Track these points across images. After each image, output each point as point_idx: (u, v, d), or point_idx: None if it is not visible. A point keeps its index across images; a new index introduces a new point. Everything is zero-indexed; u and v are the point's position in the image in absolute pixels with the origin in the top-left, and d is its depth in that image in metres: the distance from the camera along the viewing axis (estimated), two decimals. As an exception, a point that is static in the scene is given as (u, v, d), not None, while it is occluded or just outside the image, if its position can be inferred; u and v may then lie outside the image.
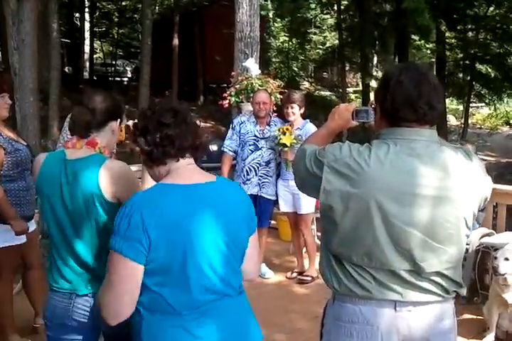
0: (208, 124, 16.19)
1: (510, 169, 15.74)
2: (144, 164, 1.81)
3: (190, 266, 1.59)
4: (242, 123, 4.80)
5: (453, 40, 14.36)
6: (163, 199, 1.60)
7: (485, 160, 16.35)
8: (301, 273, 4.92)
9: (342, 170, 1.60)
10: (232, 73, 6.39)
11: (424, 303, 1.66)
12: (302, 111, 4.73)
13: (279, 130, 4.64)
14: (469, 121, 15.69)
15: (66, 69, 19.49)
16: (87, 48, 20.77)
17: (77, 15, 20.84)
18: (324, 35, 23.67)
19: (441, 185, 1.59)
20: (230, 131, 4.87)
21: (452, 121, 20.28)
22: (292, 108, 4.63)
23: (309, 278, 4.80)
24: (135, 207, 1.57)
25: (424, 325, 1.67)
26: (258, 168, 4.74)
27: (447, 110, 15.91)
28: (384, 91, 1.66)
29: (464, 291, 1.74)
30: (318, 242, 5.33)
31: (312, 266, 4.89)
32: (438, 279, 1.65)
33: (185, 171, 1.70)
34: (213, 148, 6.06)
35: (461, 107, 21.64)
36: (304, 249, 5.07)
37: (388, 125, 1.68)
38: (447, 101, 16.09)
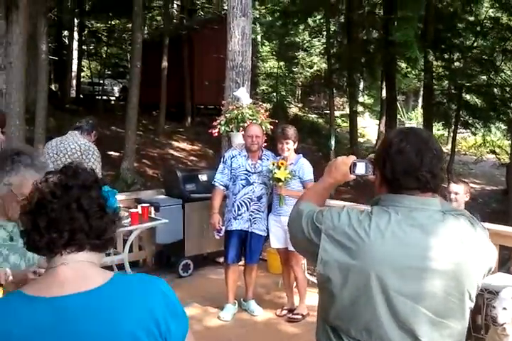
0: (196, 147, 16.12)
1: (495, 197, 15.88)
2: None
3: None
4: (233, 157, 4.73)
5: (440, 70, 14.54)
6: (5, 317, 1.22)
7: (471, 187, 16.48)
8: (291, 311, 4.81)
9: (341, 239, 1.53)
10: (223, 102, 6.33)
11: None
12: (296, 145, 4.67)
13: (273, 164, 4.57)
14: (455, 149, 15.79)
15: (52, 87, 19.38)
16: (74, 67, 20.68)
17: (65, 33, 20.83)
18: (312, 58, 23.90)
19: (445, 258, 1.52)
20: (220, 165, 4.78)
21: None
22: (287, 143, 4.57)
23: (300, 317, 4.69)
24: None
25: None
26: (250, 203, 4.65)
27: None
28: (384, 158, 1.60)
29: None
30: (309, 278, 5.25)
31: (302, 303, 4.78)
32: None
33: (59, 273, 1.27)
34: (203, 178, 5.95)
35: (445, 133, 21.88)
36: (294, 284, 4.98)
37: (389, 191, 1.61)
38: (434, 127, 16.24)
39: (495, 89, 13.87)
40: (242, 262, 4.95)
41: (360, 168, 1.78)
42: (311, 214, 1.64)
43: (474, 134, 16.25)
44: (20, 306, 1.23)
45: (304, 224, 1.63)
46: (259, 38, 21.62)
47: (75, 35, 20.02)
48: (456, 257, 1.53)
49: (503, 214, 12.36)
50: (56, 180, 1.32)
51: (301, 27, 18.12)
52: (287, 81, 20.92)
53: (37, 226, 1.27)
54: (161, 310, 1.29)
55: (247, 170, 4.66)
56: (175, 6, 21.32)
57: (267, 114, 5.92)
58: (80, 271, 1.29)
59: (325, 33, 16.22)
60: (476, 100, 14.75)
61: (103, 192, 1.37)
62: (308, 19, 16.72)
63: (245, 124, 5.51)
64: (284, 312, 4.82)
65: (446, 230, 1.54)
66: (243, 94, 6.00)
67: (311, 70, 25.04)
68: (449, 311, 1.54)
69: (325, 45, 17.55)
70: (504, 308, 3.19)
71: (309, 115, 23.07)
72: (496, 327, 3.23)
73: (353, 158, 1.83)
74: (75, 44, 20.26)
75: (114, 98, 21.52)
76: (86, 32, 20.94)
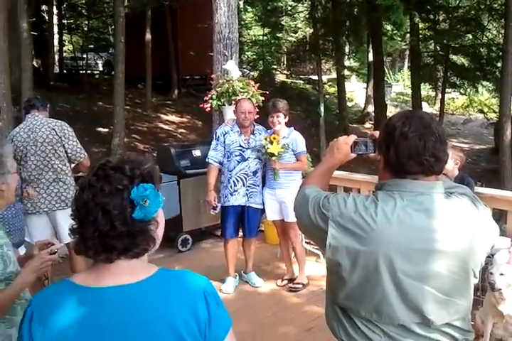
0: (184, 119, 16.04)
1: (484, 156, 16.03)
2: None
3: None
4: (226, 133, 4.73)
5: (426, 31, 14.42)
6: (58, 304, 1.31)
7: (459, 147, 16.63)
8: (291, 280, 4.91)
9: (348, 226, 1.57)
10: (212, 75, 6.30)
11: None
12: (287, 119, 4.68)
13: (265, 139, 4.59)
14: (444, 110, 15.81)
15: (34, 63, 19.01)
16: (55, 42, 20.27)
17: (44, 7, 20.31)
18: (296, 22, 23.56)
19: (450, 240, 1.57)
20: (213, 142, 4.79)
21: (425, 108, 20.46)
22: (278, 117, 4.58)
23: (300, 286, 4.81)
24: (30, 308, 1.35)
25: None
26: (246, 178, 4.70)
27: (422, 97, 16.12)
28: (387, 143, 1.62)
29: (472, 336, 1.73)
30: (307, 247, 5.36)
31: (302, 273, 4.89)
32: (448, 330, 1.64)
33: (109, 267, 1.33)
34: (196, 153, 5.97)
35: (433, 94, 21.85)
36: (292, 254, 5.07)
37: (393, 175, 1.64)
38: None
39: (481, 49, 13.81)
40: (240, 234, 5.03)
41: (362, 147, 1.82)
42: (317, 199, 1.66)
43: (462, 94, 16.26)
44: (68, 294, 1.32)
45: (310, 210, 1.66)
46: (241, 4, 21.24)
47: (54, 9, 19.53)
48: (460, 238, 1.58)
49: (493, 173, 12.52)
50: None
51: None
52: (273, 48, 20.67)
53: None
54: (202, 309, 1.32)
55: (240, 146, 4.68)
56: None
57: (257, 85, 5.90)
58: (127, 267, 1.34)
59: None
60: (463, 60, 14.71)
61: (135, 197, 1.30)
62: (292, -17, 16.45)
63: (237, 97, 5.50)
64: (285, 282, 4.93)
65: (450, 213, 1.59)
66: (232, 67, 5.96)
67: (296, 35, 24.75)
68: (455, 289, 1.60)
69: (309, 10, 17.30)
70: (501, 274, 3.28)
71: (296, 81, 22.90)
72: (494, 292, 3.33)
73: (353, 137, 1.85)
74: (55, 18, 19.80)
75: (98, 72, 21.16)
76: (65, 5, 20.44)
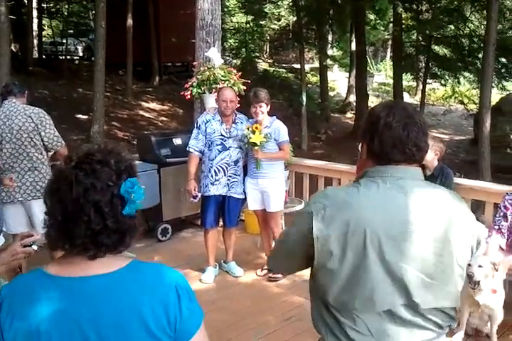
0: (165, 107, 15.87)
1: (463, 147, 16.15)
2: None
3: None
4: (207, 122, 4.68)
5: (409, 21, 14.42)
6: (29, 294, 1.29)
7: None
8: (271, 270, 4.90)
9: (333, 213, 1.57)
10: (194, 63, 6.23)
11: None
12: (269, 108, 4.65)
13: (248, 129, 4.56)
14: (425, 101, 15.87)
15: (12, 48, 18.64)
16: (34, 26, 19.86)
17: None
18: (279, 10, 23.39)
19: (433, 222, 1.58)
20: (194, 131, 4.74)
21: (406, 98, 20.51)
22: (261, 107, 4.55)
23: (280, 276, 4.81)
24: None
25: None
26: (227, 168, 4.66)
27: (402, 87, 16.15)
28: (371, 133, 1.65)
29: (455, 324, 1.74)
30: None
31: (282, 262, 4.88)
32: (433, 316, 1.64)
33: (80, 259, 1.31)
34: (177, 142, 5.91)
35: (414, 84, 21.93)
36: (273, 244, 5.07)
37: (375, 164, 1.66)
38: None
39: (463, 40, 13.88)
40: (220, 223, 5.00)
41: None
42: (299, 212, 1.71)
43: (443, 85, 16.35)
44: (41, 284, 1.29)
45: (294, 222, 1.69)
46: (224, -10, 21.01)
47: (33, -8, 19.11)
48: (443, 220, 1.60)
49: (472, 163, 12.61)
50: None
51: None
52: (255, 36, 20.53)
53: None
54: (173, 302, 1.30)
55: (222, 135, 4.64)
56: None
57: (239, 74, 5.85)
58: (101, 260, 1.32)
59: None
60: (445, 51, 14.77)
61: (124, 193, 1.29)
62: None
63: (218, 86, 5.45)
64: (265, 271, 4.93)
65: (432, 196, 1.62)
66: (214, 55, 5.90)
67: (279, 23, 24.61)
68: (440, 274, 1.60)
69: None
70: (480, 266, 3.29)
71: (279, 70, 22.79)
72: (472, 285, 3.34)
73: None
74: (34, 2, 19.38)
75: (77, 58, 20.82)
76: (44, -12, 20.02)
